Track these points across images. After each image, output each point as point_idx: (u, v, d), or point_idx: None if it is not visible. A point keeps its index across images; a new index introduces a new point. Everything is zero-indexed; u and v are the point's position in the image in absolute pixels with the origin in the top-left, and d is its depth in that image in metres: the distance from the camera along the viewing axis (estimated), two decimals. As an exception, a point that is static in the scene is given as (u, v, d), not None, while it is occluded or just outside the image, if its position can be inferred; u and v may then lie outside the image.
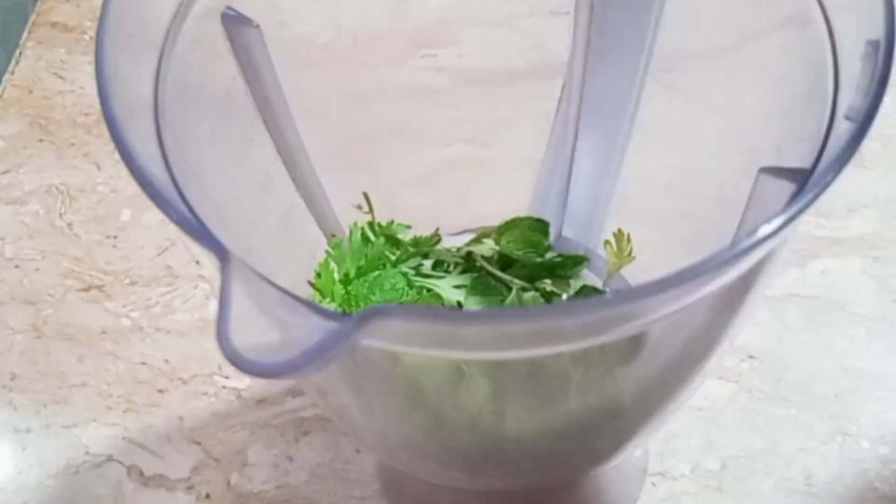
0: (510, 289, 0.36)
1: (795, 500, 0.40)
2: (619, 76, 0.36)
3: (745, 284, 0.25)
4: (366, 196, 0.38)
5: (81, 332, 0.46)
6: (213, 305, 0.47)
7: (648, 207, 0.39)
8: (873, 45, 0.23)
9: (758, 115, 0.32)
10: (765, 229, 0.20)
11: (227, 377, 0.45)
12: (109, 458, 0.43)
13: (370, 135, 0.39)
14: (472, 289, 0.36)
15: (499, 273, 0.36)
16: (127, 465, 0.43)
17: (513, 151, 0.41)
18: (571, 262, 0.38)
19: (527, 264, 0.38)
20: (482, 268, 0.37)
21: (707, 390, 0.43)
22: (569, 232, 0.41)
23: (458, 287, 0.36)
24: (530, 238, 0.38)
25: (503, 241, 0.38)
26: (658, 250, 0.37)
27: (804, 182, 0.24)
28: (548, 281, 0.38)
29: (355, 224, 0.38)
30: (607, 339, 0.22)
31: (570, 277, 0.38)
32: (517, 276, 0.37)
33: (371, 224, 0.38)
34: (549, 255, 0.39)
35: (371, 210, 0.38)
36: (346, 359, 0.25)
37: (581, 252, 0.41)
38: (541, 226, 0.39)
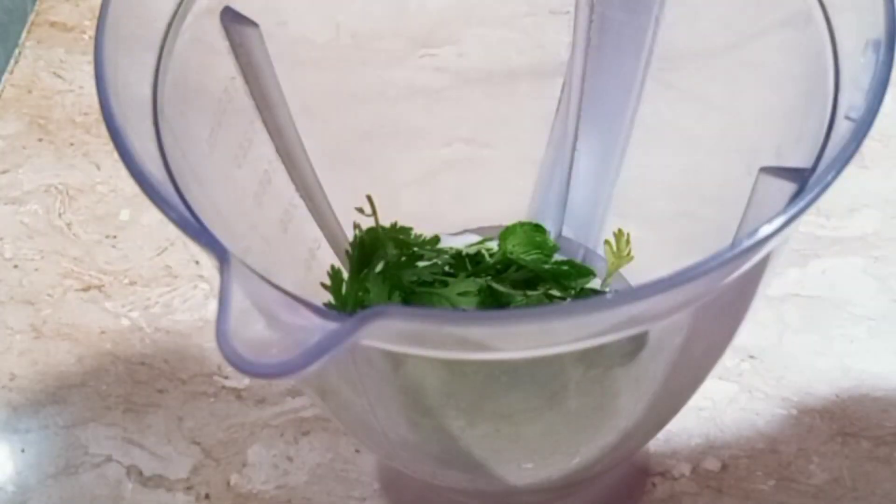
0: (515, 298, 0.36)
1: (796, 501, 0.40)
2: (620, 76, 0.36)
3: (745, 284, 0.25)
4: (369, 199, 0.38)
5: (80, 332, 0.46)
6: (213, 305, 0.47)
7: (648, 207, 0.39)
8: (874, 44, 0.23)
9: (758, 114, 0.32)
10: (765, 229, 0.20)
11: (226, 377, 0.45)
12: (109, 459, 0.43)
13: (370, 134, 0.39)
14: (482, 302, 0.36)
15: (503, 289, 0.36)
16: (126, 465, 0.43)
17: (512, 151, 0.41)
18: (577, 273, 0.38)
19: (532, 269, 0.37)
20: (487, 282, 0.36)
21: (707, 390, 0.43)
22: (569, 232, 0.41)
23: (462, 294, 0.36)
24: (534, 239, 0.38)
25: (508, 246, 0.38)
26: (658, 250, 0.37)
27: (805, 182, 0.24)
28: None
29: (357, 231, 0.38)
30: (607, 340, 0.22)
31: (573, 288, 0.38)
32: (516, 279, 0.37)
33: (374, 228, 0.38)
34: (556, 257, 0.39)
35: (374, 213, 0.38)
36: (346, 359, 0.25)
37: (581, 251, 0.41)
38: (540, 229, 0.39)
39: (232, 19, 0.30)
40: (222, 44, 0.30)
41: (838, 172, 0.21)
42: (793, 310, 0.45)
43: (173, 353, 0.46)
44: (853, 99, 0.23)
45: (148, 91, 0.25)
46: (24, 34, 0.58)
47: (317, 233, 0.37)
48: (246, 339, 0.18)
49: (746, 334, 0.44)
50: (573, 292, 0.38)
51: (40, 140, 0.53)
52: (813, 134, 0.25)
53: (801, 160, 0.25)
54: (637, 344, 0.25)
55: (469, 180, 0.41)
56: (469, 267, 0.38)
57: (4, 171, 0.52)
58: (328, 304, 0.36)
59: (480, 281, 0.36)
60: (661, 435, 0.42)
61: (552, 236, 0.40)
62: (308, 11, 0.35)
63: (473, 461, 0.31)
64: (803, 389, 0.43)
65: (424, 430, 0.30)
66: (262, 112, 0.33)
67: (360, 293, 0.36)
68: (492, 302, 0.36)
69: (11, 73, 0.56)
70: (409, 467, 0.33)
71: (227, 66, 0.31)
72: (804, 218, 0.21)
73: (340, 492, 0.42)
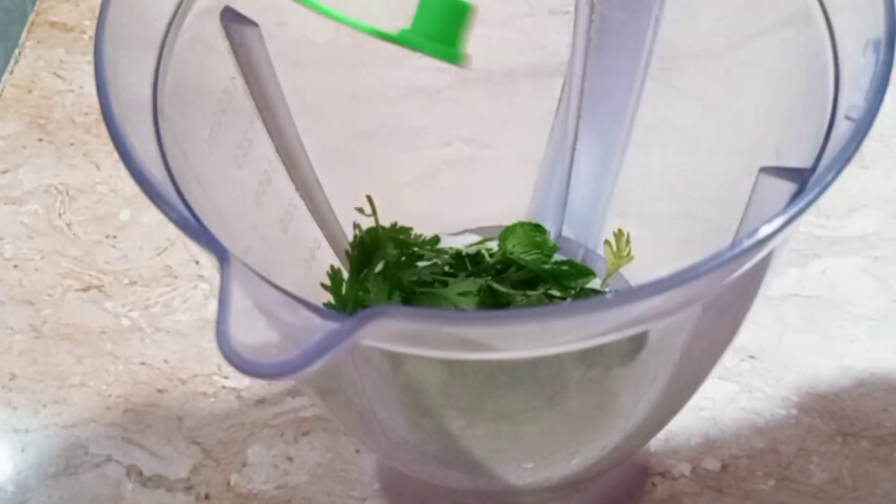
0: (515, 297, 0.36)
1: (796, 501, 0.40)
2: (619, 76, 0.36)
3: (745, 284, 0.25)
4: (369, 199, 0.38)
5: (81, 332, 0.46)
6: (213, 305, 0.47)
7: (648, 207, 0.39)
8: (874, 44, 0.23)
9: (758, 114, 0.32)
10: (765, 229, 0.20)
11: (226, 377, 0.45)
12: (109, 459, 0.43)
13: (370, 134, 0.39)
14: (482, 302, 0.36)
15: (503, 289, 0.36)
16: (126, 465, 0.43)
17: (512, 151, 0.41)
18: (577, 273, 0.38)
19: (532, 269, 0.37)
20: (487, 282, 0.36)
21: (707, 390, 0.43)
22: (569, 232, 0.41)
23: (462, 294, 0.36)
24: (534, 239, 0.38)
25: (508, 246, 0.38)
26: (658, 250, 0.37)
27: (805, 182, 0.24)
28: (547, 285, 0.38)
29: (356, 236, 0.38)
30: (607, 340, 0.22)
31: (573, 288, 0.38)
32: (516, 279, 0.37)
33: (374, 228, 0.38)
34: (556, 257, 0.39)
35: (374, 213, 0.38)
36: (346, 359, 0.25)
37: (581, 251, 0.41)
38: (540, 229, 0.39)
39: (232, 19, 0.30)
40: (222, 44, 0.30)
41: (838, 172, 0.21)
42: (793, 310, 0.45)
43: (173, 353, 0.46)
44: (853, 99, 0.23)
45: (148, 91, 0.25)
46: (24, 34, 0.58)
47: (317, 233, 0.37)
48: (246, 339, 0.18)
49: (746, 334, 0.44)
50: (573, 292, 0.38)
51: (40, 140, 0.53)
52: (813, 134, 0.25)
53: (801, 160, 0.25)
54: (637, 344, 0.25)
55: (469, 180, 0.41)
56: (469, 267, 0.38)
57: (4, 171, 0.52)
58: (328, 304, 0.36)
59: (480, 281, 0.36)
60: (661, 435, 0.42)
61: (552, 236, 0.40)
62: (308, 11, 0.35)
63: (473, 461, 0.31)
64: (803, 389, 0.43)
65: (424, 430, 0.30)
66: (262, 112, 0.33)
67: (360, 293, 0.36)
68: (492, 302, 0.36)
69: (11, 73, 0.56)
70: (409, 467, 0.33)
71: (226, 65, 0.31)
72: (804, 218, 0.21)
73: (340, 492, 0.42)
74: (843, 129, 0.24)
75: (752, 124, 0.32)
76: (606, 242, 0.37)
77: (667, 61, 0.35)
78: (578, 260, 0.40)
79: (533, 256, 0.38)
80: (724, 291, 0.23)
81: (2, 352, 0.46)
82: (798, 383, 0.43)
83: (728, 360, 0.44)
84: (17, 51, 0.57)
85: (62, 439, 0.43)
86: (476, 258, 0.38)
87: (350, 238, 0.38)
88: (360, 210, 0.37)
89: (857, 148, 0.21)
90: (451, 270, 0.38)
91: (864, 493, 0.40)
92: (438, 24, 0.26)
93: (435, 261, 0.38)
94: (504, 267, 0.38)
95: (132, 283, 0.48)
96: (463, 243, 0.39)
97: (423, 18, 0.26)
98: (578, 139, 0.39)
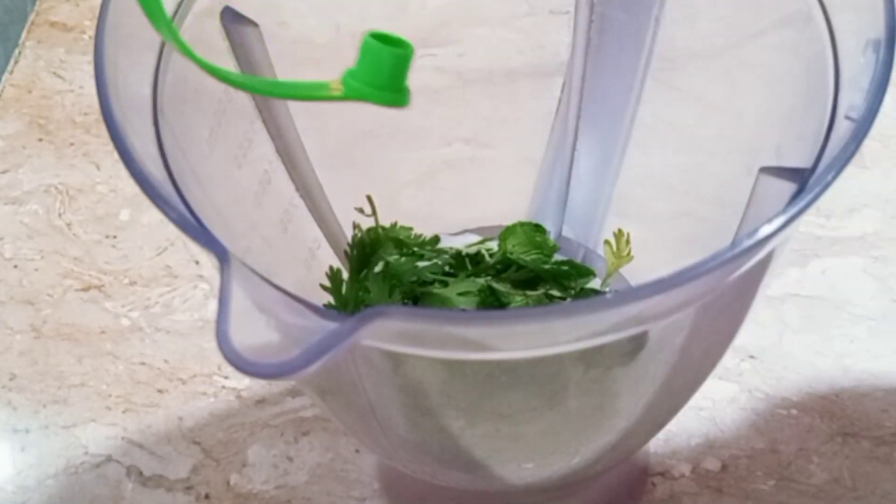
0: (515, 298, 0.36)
1: (796, 501, 0.40)
2: (619, 75, 0.36)
3: (745, 284, 0.25)
4: (369, 199, 0.38)
5: (80, 332, 0.46)
6: (213, 305, 0.47)
7: (648, 207, 0.39)
8: (874, 44, 0.23)
9: (758, 114, 0.32)
10: (765, 229, 0.20)
11: (226, 377, 0.45)
12: (108, 459, 0.43)
13: (370, 134, 0.38)
14: (482, 302, 0.36)
15: (503, 288, 0.36)
16: (126, 465, 0.43)
17: (512, 151, 0.41)
18: (577, 273, 0.38)
19: (532, 269, 0.37)
20: (487, 282, 0.36)
21: (707, 390, 0.43)
22: (569, 232, 0.41)
23: (462, 294, 0.36)
24: (534, 239, 0.38)
25: (508, 246, 0.38)
26: (658, 250, 0.37)
27: (805, 182, 0.24)
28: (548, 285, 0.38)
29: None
30: (607, 340, 0.22)
31: (573, 288, 0.38)
32: (516, 279, 0.37)
33: (374, 228, 0.38)
34: (556, 257, 0.39)
35: (374, 213, 0.38)
36: (346, 359, 0.25)
37: (581, 251, 0.41)
38: (540, 229, 0.39)
39: (232, 19, 0.30)
40: (222, 44, 0.30)
41: (838, 172, 0.21)
42: (793, 310, 0.45)
43: (173, 353, 0.46)
44: (853, 99, 0.23)
45: (148, 91, 0.25)
46: (24, 34, 0.58)
47: (317, 233, 0.37)
48: (246, 339, 0.18)
49: (746, 334, 0.44)
50: (573, 292, 0.38)
51: (40, 140, 0.53)
52: (813, 134, 0.25)
53: (801, 160, 0.25)
54: (637, 344, 0.25)
55: (469, 180, 0.41)
56: (469, 267, 0.38)
57: (4, 171, 0.52)
58: (328, 305, 0.36)
59: (480, 281, 0.36)
60: (661, 435, 0.42)
61: (552, 236, 0.40)
62: (308, 11, 0.35)
63: (473, 461, 0.31)
64: (803, 389, 0.43)
65: (424, 430, 0.30)
66: (262, 112, 0.33)
67: (360, 293, 0.36)
68: (492, 302, 0.36)
69: (11, 73, 0.56)
70: (409, 467, 0.33)
71: (227, 65, 0.31)
72: (804, 218, 0.21)
73: (340, 492, 0.42)
74: (843, 129, 0.24)
75: (752, 124, 0.32)
76: (606, 242, 0.37)
77: (667, 61, 0.35)
78: (578, 260, 0.40)
79: (533, 256, 0.38)
80: (724, 291, 0.23)
81: (2, 352, 0.46)
82: (798, 383, 0.43)
83: (728, 360, 0.44)
84: (17, 51, 0.57)
85: (62, 439, 0.43)
86: (476, 258, 0.38)
87: (350, 238, 0.38)
88: (360, 210, 0.37)
89: (857, 148, 0.22)
90: (451, 270, 0.38)
91: (864, 493, 0.40)
92: (381, 73, 0.27)
93: (435, 261, 0.37)
94: (504, 267, 0.38)
95: (132, 283, 0.48)
96: (463, 243, 0.39)
97: (364, 68, 0.27)
98: (578, 139, 0.39)
